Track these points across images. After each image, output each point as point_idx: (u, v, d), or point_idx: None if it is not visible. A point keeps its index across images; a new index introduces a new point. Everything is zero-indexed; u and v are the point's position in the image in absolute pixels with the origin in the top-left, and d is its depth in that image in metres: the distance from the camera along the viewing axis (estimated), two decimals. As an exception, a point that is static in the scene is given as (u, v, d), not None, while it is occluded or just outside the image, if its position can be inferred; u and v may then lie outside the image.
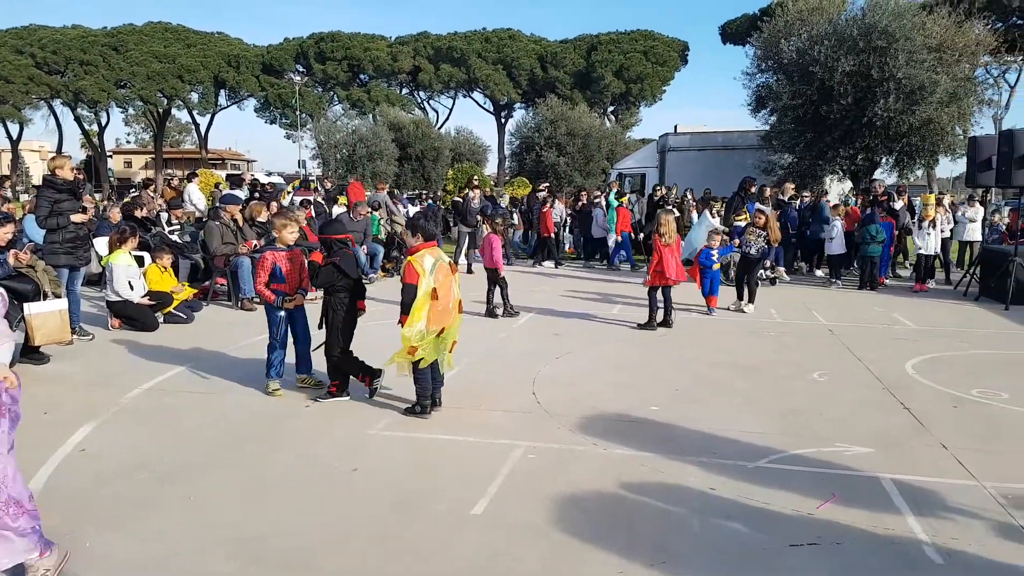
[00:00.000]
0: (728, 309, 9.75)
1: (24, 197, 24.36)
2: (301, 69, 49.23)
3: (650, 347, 7.64)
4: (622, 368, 6.72)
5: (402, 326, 5.00)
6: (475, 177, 21.19)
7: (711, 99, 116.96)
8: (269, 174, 38.34)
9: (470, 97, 51.59)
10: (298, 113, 48.27)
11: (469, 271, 13.51)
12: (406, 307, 5.00)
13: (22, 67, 43.79)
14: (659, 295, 8.52)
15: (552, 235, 15.39)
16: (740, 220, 11.77)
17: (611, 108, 47.35)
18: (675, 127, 24.42)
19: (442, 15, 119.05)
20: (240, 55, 48.37)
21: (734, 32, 39.39)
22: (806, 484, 4.09)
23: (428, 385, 5.19)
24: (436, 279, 5.02)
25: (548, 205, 15.50)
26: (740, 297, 9.85)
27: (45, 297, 6.47)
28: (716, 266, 9.66)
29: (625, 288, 11.82)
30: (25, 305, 6.23)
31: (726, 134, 23.01)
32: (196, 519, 3.62)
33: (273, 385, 5.66)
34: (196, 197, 14.33)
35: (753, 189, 12.60)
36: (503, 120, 50.14)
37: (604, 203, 15.29)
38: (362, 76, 49.52)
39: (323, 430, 4.94)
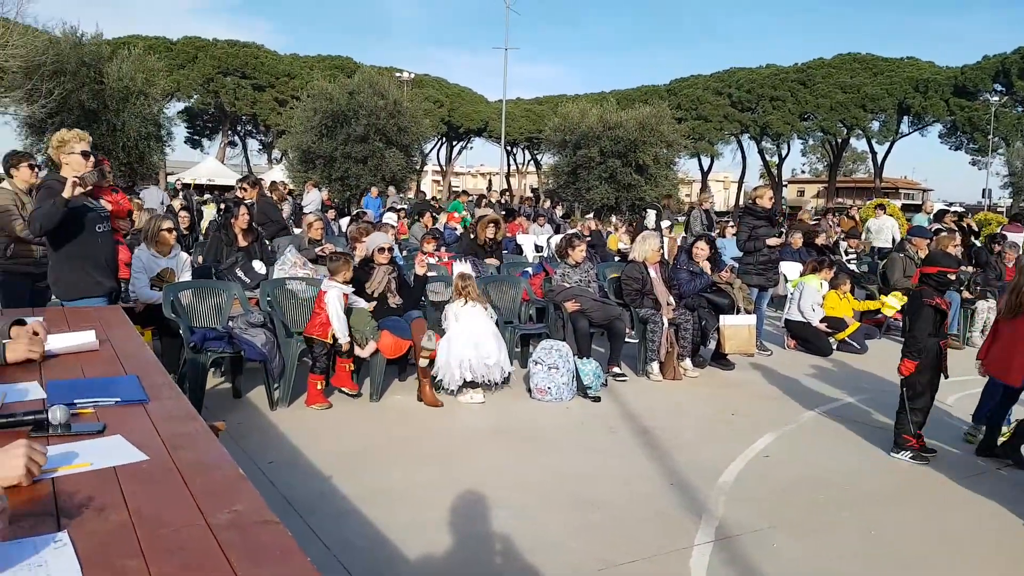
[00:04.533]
0: None
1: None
2: (1000, 88, 43.53)
3: None
4: None
5: None
6: None
7: None
8: (949, 204, 35.04)
9: None
10: (990, 137, 42.91)
11: None
12: None
13: (719, 107, 50.48)
14: None
15: None
16: None
17: None
18: None
19: None
20: (929, 79, 45.57)
21: None
22: None
23: None
24: None
25: None
26: None
27: (738, 312, 7.26)
28: None
29: None
30: (721, 316, 7.10)
31: None
32: (871, 550, 3.55)
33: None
34: (876, 227, 14.02)
35: None
36: None
37: None
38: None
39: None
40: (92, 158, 4.37)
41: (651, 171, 23.83)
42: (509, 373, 5.93)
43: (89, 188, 4.29)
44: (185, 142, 50.76)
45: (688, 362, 6.86)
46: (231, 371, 5.83)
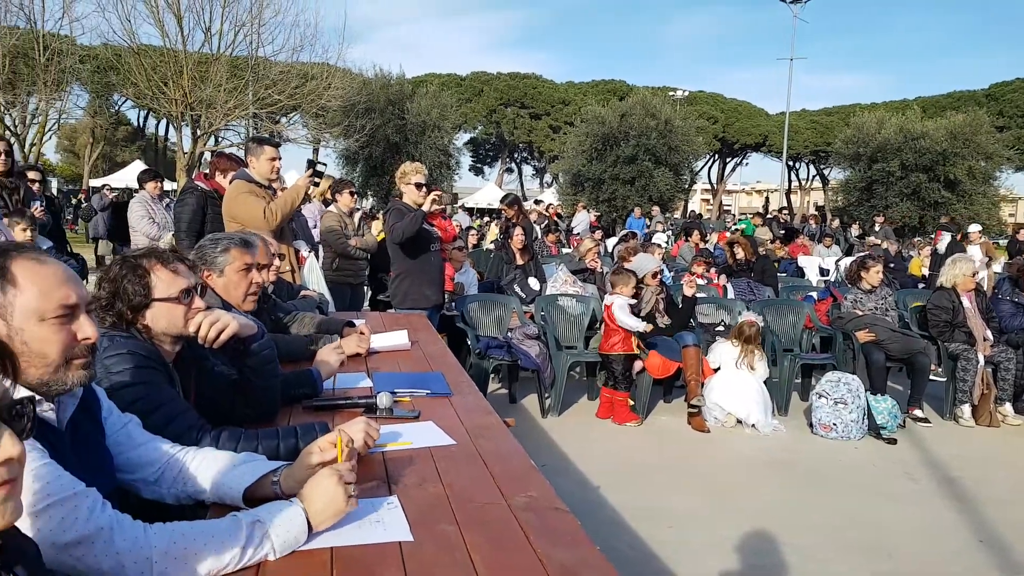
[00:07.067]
0: None
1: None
2: None
3: None
4: None
5: None
6: None
7: None
8: None
9: None
10: None
11: None
12: None
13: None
14: None
15: None
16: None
17: None
18: None
19: None
20: None
21: None
22: None
23: None
24: None
25: None
26: None
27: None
28: None
29: None
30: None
31: None
32: None
33: None
34: None
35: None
36: None
37: None
38: None
39: None
40: (425, 188, 5.01)
41: (964, 187, 21.05)
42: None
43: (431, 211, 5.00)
44: (469, 170, 55.43)
45: (1009, 407, 5.92)
46: (508, 377, 6.21)
